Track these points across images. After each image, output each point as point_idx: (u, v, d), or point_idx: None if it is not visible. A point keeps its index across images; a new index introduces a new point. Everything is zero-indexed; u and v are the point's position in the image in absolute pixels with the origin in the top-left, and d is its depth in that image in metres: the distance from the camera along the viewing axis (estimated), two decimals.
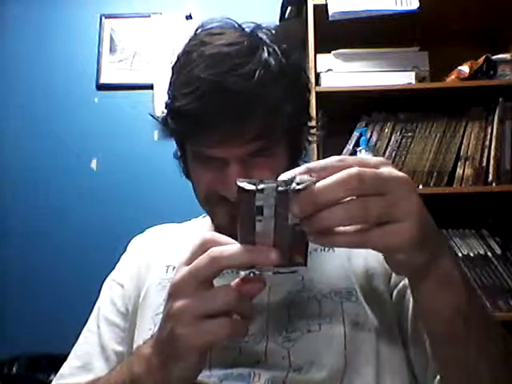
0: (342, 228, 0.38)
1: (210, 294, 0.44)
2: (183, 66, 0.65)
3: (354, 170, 0.37)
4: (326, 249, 0.70)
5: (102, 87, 2.03)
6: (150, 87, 1.96)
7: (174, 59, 0.69)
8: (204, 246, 0.45)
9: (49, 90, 2.03)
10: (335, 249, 0.70)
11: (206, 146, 0.63)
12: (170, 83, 0.68)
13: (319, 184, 0.37)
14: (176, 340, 0.45)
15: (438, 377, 0.59)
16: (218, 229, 0.73)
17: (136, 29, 2.06)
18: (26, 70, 2.06)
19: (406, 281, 0.67)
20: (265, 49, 0.63)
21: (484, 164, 1.55)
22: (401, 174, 0.39)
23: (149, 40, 2.03)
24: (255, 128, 0.60)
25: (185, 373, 0.47)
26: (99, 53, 2.04)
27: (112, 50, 2.05)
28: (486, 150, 1.55)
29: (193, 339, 0.44)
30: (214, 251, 0.44)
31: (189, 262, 0.46)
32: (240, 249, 0.42)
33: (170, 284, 0.47)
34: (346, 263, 0.69)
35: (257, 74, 0.60)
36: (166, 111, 0.69)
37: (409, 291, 0.66)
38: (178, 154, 0.75)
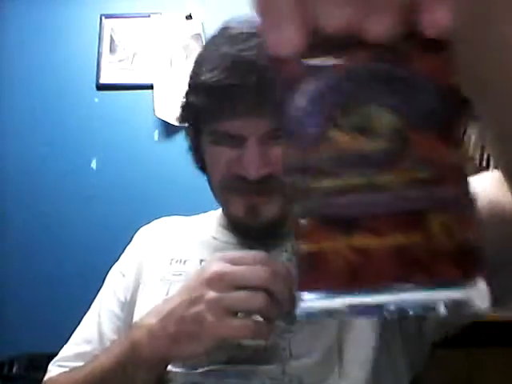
0: None
1: (243, 294, 0.51)
2: (207, 48, 0.67)
3: None
4: None
5: (102, 87, 2.03)
6: (150, 87, 1.96)
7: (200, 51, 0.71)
8: (257, 258, 0.54)
9: (49, 90, 2.03)
10: None
11: (229, 117, 0.63)
12: (193, 68, 0.69)
13: None
14: (201, 323, 0.51)
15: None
16: (229, 221, 0.73)
17: (136, 29, 2.06)
18: (26, 70, 2.06)
19: None
20: None
21: (484, 164, 1.55)
22: None
23: (149, 40, 2.03)
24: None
25: (196, 351, 0.53)
26: (99, 53, 2.04)
27: (112, 50, 2.05)
28: (486, 150, 1.55)
29: (218, 329, 0.51)
30: (268, 277, 0.52)
31: (233, 261, 0.54)
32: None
33: (211, 271, 0.53)
34: None
35: None
36: (184, 96, 0.70)
37: None
38: (191, 143, 0.75)
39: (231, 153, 0.64)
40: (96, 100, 2.03)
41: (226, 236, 0.73)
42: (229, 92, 0.61)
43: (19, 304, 1.86)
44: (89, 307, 0.78)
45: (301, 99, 0.22)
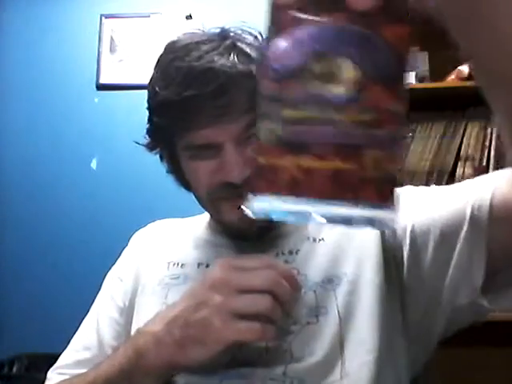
0: None
1: (249, 298, 0.51)
2: (158, 68, 0.67)
3: None
4: (318, 239, 0.70)
5: (102, 87, 2.03)
6: None
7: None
8: (260, 262, 0.54)
9: (49, 90, 2.03)
10: (325, 238, 0.69)
11: (198, 128, 0.62)
12: (149, 91, 0.68)
13: None
14: (207, 328, 0.51)
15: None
16: (223, 227, 0.72)
17: (136, 29, 2.06)
18: (26, 70, 2.06)
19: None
20: (232, 36, 0.66)
21: (484, 164, 1.55)
22: None
23: (149, 40, 2.03)
24: (242, 100, 0.61)
25: (203, 356, 0.52)
26: (99, 53, 2.04)
27: (112, 50, 2.05)
28: (486, 150, 1.55)
29: (225, 333, 0.50)
30: (272, 280, 0.52)
31: (236, 265, 0.54)
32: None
33: (215, 276, 0.54)
34: (336, 250, 0.68)
35: (232, 52, 0.62)
36: (148, 117, 0.70)
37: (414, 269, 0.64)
38: (169, 165, 0.75)
39: (211, 163, 0.64)
40: (96, 100, 2.03)
41: (219, 239, 0.73)
42: (190, 103, 0.60)
43: (19, 304, 1.86)
44: (89, 307, 0.78)
45: (284, 42, 0.27)
